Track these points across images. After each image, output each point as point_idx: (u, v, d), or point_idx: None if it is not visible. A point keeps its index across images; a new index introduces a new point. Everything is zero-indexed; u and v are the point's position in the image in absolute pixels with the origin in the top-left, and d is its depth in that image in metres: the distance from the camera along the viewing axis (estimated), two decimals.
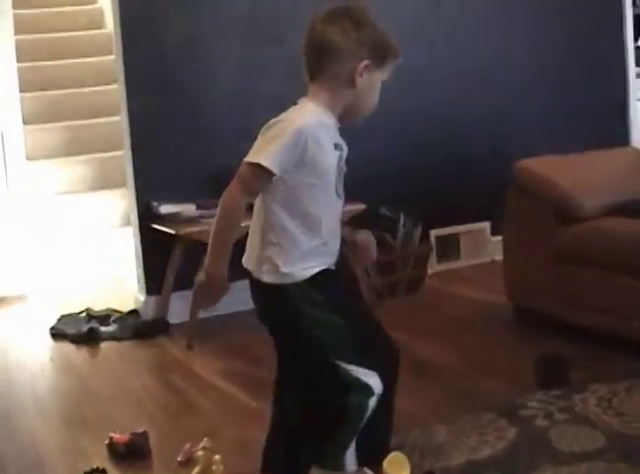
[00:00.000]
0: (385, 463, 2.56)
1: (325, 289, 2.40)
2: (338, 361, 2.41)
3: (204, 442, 2.84)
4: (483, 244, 5.51)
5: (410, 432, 2.99)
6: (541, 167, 4.14)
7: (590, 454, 2.74)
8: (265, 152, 2.29)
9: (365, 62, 2.36)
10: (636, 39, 8.35)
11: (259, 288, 2.43)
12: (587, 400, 3.18)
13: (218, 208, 2.34)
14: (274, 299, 2.43)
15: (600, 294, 3.77)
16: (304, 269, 2.38)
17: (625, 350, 3.61)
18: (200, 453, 2.77)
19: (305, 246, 2.38)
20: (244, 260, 2.45)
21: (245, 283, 2.44)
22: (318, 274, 2.39)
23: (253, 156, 2.31)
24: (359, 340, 2.44)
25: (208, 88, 4.76)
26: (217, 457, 2.76)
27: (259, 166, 2.28)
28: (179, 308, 4.50)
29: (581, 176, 4.10)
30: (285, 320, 2.45)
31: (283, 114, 2.38)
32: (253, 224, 2.45)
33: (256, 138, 2.35)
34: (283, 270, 2.36)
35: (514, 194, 4.19)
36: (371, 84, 2.42)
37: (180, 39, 4.67)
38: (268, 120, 2.33)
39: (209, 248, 2.34)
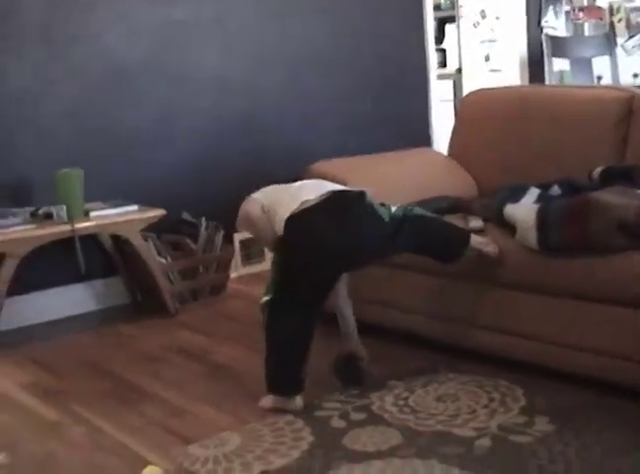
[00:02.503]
0: None
1: None
2: None
3: (1, 458, 2.79)
4: None
5: (208, 438, 3.03)
6: (334, 168, 4.05)
7: (383, 452, 2.81)
8: None
9: None
10: (441, 42, 8.65)
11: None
12: (384, 398, 3.28)
13: None
14: None
15: (387, 291, 3.84)
16: None
17: (423, 346, 3.74)
18: None
19: None
20: None
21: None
22: None
23: None
24: None
25: None
26: None
27: None
28: None
29: (375, 176, 4.04)
30: None
31: None
32: None
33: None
34: None
35: None
36: None
37: None
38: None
39: None
